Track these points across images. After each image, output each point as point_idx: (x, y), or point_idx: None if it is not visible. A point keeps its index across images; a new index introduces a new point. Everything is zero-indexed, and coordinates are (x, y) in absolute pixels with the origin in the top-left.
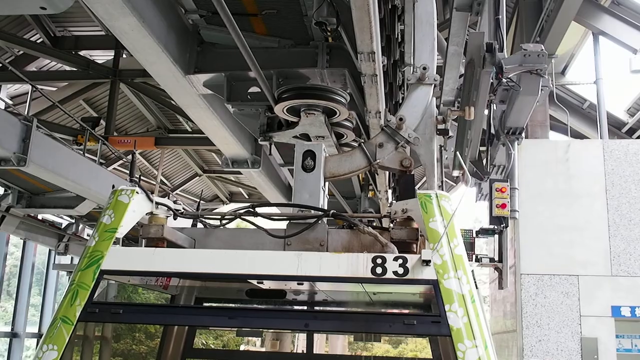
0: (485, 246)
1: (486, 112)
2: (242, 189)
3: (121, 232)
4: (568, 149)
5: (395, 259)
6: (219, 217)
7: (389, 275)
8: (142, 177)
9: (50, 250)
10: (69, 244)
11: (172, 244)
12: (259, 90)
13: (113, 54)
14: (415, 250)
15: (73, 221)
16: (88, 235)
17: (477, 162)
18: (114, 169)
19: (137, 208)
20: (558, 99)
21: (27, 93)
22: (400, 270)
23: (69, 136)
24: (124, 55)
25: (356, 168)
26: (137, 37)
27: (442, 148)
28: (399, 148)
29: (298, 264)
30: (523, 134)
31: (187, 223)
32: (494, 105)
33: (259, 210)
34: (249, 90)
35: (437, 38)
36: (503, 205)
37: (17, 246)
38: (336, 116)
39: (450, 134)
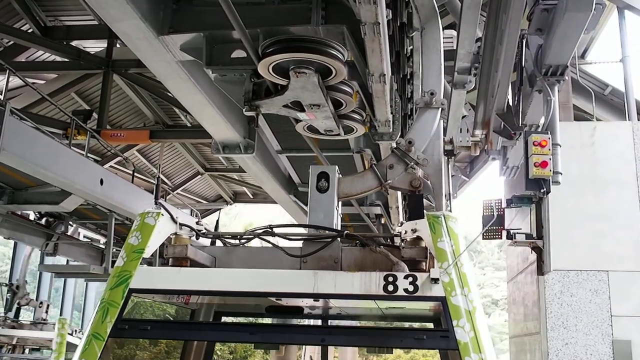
0: (507, 223)
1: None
2: (246, 188)
3: (148, 252)
4: (594, 132)
5: (406, 277)
6: (238, 236)
7: (400, 292)
8: (138, 175)
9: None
10: (58, 244)
11: (195, 263)
12: (244, 55)
13: (106, 44)
14: (424, 267)
15: (63, 220)
16: (85, 236)
17: (506, 115)
18: (110, 166)
19: (162, 229)
20: (579, 85)
21: (19, 87)
22: (411, 288)
23: (59, 130)
24: (118, 45)
25: (368, 188)
26: None
27: (449, 159)
28: (408, 169)
29: (315, 282)
30: (565, 75)
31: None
32: (527, 41)
33: (276, 230)
34: (233, 55)
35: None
36: (544, 164)
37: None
38: (332, 76)
39: (467, 109)
